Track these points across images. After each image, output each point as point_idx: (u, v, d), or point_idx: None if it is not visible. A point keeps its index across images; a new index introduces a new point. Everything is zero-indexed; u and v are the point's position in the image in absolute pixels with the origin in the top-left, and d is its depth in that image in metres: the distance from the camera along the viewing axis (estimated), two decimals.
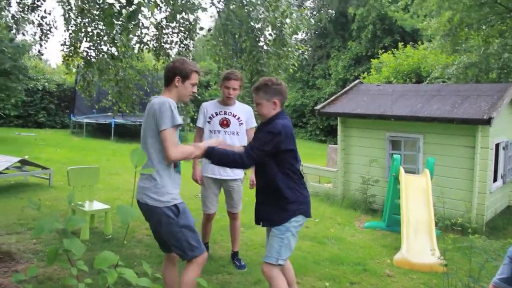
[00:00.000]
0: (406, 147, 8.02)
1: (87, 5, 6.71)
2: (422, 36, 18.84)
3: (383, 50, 20.17)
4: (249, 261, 5.09)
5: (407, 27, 20.56)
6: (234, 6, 6.49)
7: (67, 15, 7.21)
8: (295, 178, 3.46)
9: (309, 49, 27.24)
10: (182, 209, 3.21)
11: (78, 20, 7.20)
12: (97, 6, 6.46)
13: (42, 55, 7.81)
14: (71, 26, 7.25)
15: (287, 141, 3.38)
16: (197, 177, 4.85)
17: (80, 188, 5.99)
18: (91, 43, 7.23)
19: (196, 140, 4.87)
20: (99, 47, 7.25)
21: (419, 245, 5.66)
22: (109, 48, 7.24)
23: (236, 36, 6.73)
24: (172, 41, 7.27)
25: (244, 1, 6.36)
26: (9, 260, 4.64)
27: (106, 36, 6.95)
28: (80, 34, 7.20)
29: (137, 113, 7.80)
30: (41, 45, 7.53)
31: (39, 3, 7.05)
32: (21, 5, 6.97)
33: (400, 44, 18.88)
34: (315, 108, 9.41)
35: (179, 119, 3.12)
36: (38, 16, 7.23)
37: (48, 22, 7.35)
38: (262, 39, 6.56)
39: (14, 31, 7.54)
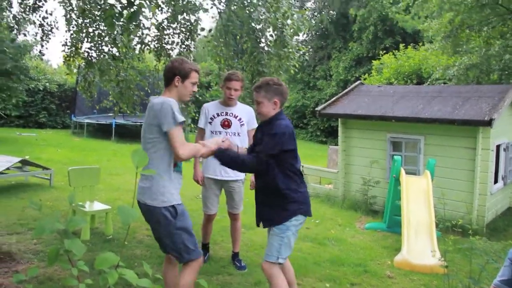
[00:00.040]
0: (407, 148, 8.02)
1: (88, 6, 6.71)
2: (423, 37, 18.84)
3: (384, 51, 20.16)
4: (249, 262, 5.09)
5: (408, 29, 20.55)
6: (235, 7, 6.49)
7: (68, 16, 7.22)
8: (295, 178, 3.48)
9: (310, 50, 27.24)
10: (181, 210, 3.21)
11: (79, 21, 7.20)
12: (98, 6, 6.47)
13: (43, 55, 7.82)
14: (72, 27, 7.25)
15: (289, 142, 3.40)
16: (198, 177, 4.85)
17: (80, 188, 5.99)
18: (92, 44, 7.24)
19: (197, 140, 4.87)
20: (100, 47, 7.25)
21: (420, 247, 5.66)
22: (110, 49, 7.24)
23: (237, 37, 6.73)
24: (173, 42, 7.28)
25: (245, 2, 6.36)
26: (9, 260, 4.64)
27: (107, 37, 6.96)
28: (81, 34, 7.20)
29: (138, 113, 7.80)
30: (42, 46, 7.54)
31: (40, 4, 7.06)
32: (22, 6, 6.98)
33: (401, 45, 18.89)
34: (316, 109, 9.41)
35: (181, 117, 3.13)
36: (40, 16, 7.24)
37: (49, 23, 7.36)
38: (263, 40, 6.56)
39: (15, 31, 7.55)
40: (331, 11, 27.33)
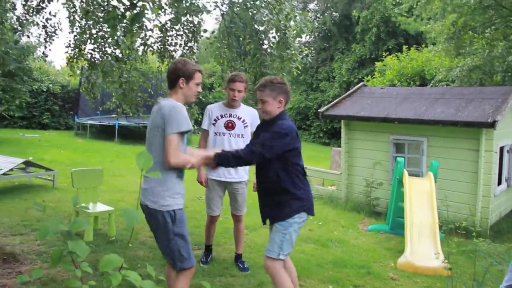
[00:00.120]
0: (410, 150, 8.00)
1: (92, 8, 6.73)
2: (426, 39, 18.82)
3: (387, 53, 20.14)
4: (252, 263, 5.09)
5: (411, 30, 20.54)
6: (238, 8, 6.50)
7: (71, 17, 7.24)
8: (299, 176, 3.50)
9: (313, 51, 27.23)
10: (180, 217, 3.20)
11: (83, 22, 7.23)
12: (102, 8, 6.48)
13: (47, 56, 7.85)
14: (76, 28, 7.28)
15: (293, 141, 3.43)
16: (202, 179, 4.85)
17: (84, 189, 6.00)
18: (95, 45, 7.26)
19: (201, 142, 4.89)
20: (103, 49, 7.27)
21: (423, 249, 5.64)
22: (113, 50, 7.26)
23: (240, 38, 6.74)
24: (176, 44, 7.29)
25: (248, 3, 6.37)
26: (13, 261, 4.65)
27: (110, 38, 6.97)
28: (84, 36, 7.22)
29: (141, 115, 7.81)
30: (45, 47, 7.57)
31: (44, 5, 7.08)
32: (26, 7, 7.00)
33: (404, 47, 18.87)
34: (319, 110, 9.40)
35: (187, 126, 3.13)
36: (43, 18, 7.26)
37: (53, 24, 7.39)
38: (266, 41, 6.57)
39: (19, 33, 7.57)
40: (334, 13, 27.33)
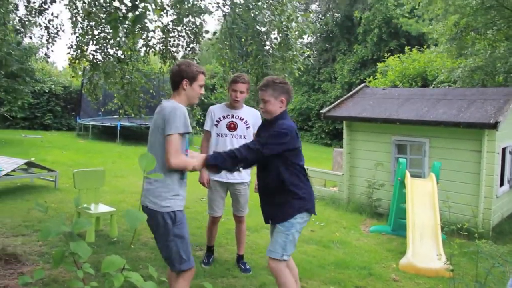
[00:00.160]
0: (412, 151, 7.99)
1: (94, 9, 6.74)
2: (428, 40, 18.81)
3: (389, 54, 20.13)
4: (254, 264, 5.09)
5: (413, 32, 20.53)
6: (240, 9, 6.50)
7: (74, 19, 7.26)
8: (300, 175, 3.51)
9: (315, 52, 27.22)
10: (180, 218, 3.20)
11: (85, 24, 7.24)
12: (104, 9, 6.50)
13: (49, 57, 7.86)
14: (78, 29, 7.30)
15: (293, 141, 3.43)
16: (204, 180, 4.84)
17: (85, 190, 6.01)
18: (97, 46, 7.27)
19: (203, 143, 4.89)
20: (105, 50, 7.29)
21: (425, 250, 5.63)
22: (116, 51, 7.27)
23: (242, 39, 6.74)
24: (178, 44, 7.30)
25: (250, 5, 6.37)
26: (15, 262, 4.65)
27: (112, 39, 6.99)
28: (86, 37, 7.24)
29: (143, 116, 7.83)
30: (48, 48, 7.58)
31: (46, 7, 7.09)
32: (28, 8, 7.01)
33: (406, 48, 18.86)
34: (321, 111, 9.40)
35: (187, 128, 3.13)
36: (46, 19, 7.28)
37: (55, 25, 7.40)
38: (268, 42, 6.57)
39: (21, 34, 7.59)
40: (335, 14, 27.34)
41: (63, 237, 1.63)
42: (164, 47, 7.29)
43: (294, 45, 6.41)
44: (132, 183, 9.48)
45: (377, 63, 20.22)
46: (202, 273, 4.70)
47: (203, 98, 3.53)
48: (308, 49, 9.65)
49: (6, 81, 16.67)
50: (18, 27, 7.53)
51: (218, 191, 4.87)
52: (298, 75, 6.89)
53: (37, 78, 20.43)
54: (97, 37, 7.15)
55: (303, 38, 8.56)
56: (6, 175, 7.96)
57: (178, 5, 6.48)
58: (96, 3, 6.72)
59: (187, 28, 7.13)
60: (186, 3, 6.46)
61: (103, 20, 6.74)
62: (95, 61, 7.33)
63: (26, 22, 7.26)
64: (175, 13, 6.83)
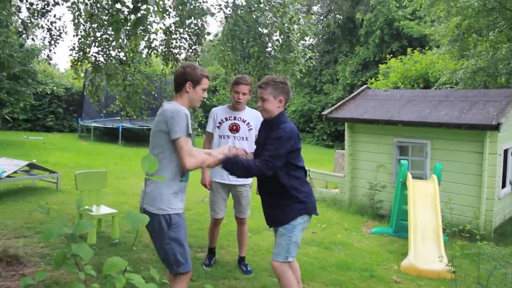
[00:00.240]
0: (413, 152, 7.99)
1: (96, 11, 6.76)
2: (430, 41, 18.80)
3: (391, 55, 20.11)
4: (255, 266, 5.09)
5: (414, 34, 20.52)
6: (242, 11, 6.51)
7: (76, 20, 7.27)
8: (300, 177, 3.52)
9: (316, 54, 27.20)
10: (176, 221, 3.18)
11: (87, 25, 7.26)
12: (106, 11, 6.51)
13: (51, 59, 7.87)
14: (80, 31, 7.31)
15: (296, 143, 3.45)
16: (206, 181, 4.84)
17: (87, 192, 6.01)
18: (99, 48, 7.28)
19: (205, 145, 4.88)
20: (107, 52, 7.30)
21: (427, 252, 5.63)
22: (118, 53, 7.28)
23: (244, 41, 6.75)
24: (180, 46, 7.31)
25: (252, 6, 6.38)
26: (16, 263, 4.66)
27: (114, 41, 7.00)
28: (89, 39, 7.25)
29: (144, 117, 7.83)
30: (50, 50, 7.59)
31: (48, 9, 7.11)
32: (31, 11, 7.04)
33: (408, 50, 18.85)
34: (323, 113, 9.40)
35: (188, 130, 3.13)
36: (48, 21, 7.29)
37: (57, 27, 7.42)
38: (269, 44, 6.58)
39: (24, 36, 7.60)
40: (337, 15, 27.33)
41: (65, 239, 1.64)
42: (166, 49, 7.30)
43: (296, 47, 6.42)
44: (134, 185, 9.48)
45: (379, 65, 20.20)
46: (204, 275, 4.70)
47: (205, 100, 3.54)
48: (310, 51, 9.66)
49: (8, 83, 16.70)
50: (20, 29, 7.55)
51: (220, 193, 4.87)
52: (300, 76, 6.89)
53: (39, 80, 20.47)
54: (99, 39, 7.16)
55: (305, 40, 8.57)
56: (8, 176, 7.98)
57: (180, 7, 6.49)
58: (98, 5, 6.74)
59: (189, 30, 7.14)
60: (188, 4, 6.47)
61: (105, 22, 6.75)
62: (97, 63, 7.34)
63: (29, 24, 7.29)
64: (177, 15, 6.84)
